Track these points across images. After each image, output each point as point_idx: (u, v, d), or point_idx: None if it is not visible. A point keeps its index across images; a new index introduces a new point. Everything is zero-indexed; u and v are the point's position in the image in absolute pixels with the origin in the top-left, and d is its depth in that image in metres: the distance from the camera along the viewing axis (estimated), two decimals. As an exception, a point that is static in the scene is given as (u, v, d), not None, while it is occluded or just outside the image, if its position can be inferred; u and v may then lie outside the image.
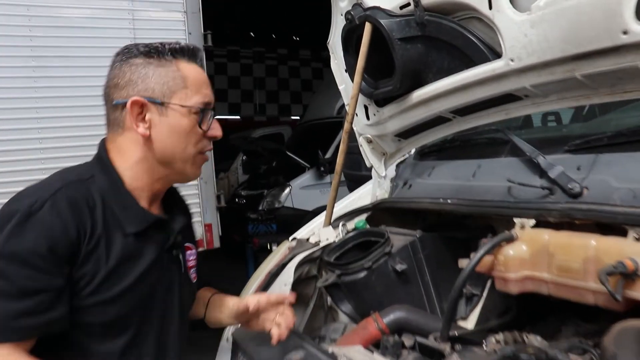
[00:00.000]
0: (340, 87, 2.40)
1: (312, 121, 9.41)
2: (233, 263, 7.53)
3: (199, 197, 4.22)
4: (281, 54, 16.62)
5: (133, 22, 4.02)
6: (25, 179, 3.38)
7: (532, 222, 1.51)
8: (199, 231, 4.24)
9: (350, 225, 2.31)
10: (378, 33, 1.93)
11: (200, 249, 4.28)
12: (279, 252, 2.22)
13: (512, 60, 1.58)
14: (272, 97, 16.67)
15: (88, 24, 3.83)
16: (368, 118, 2.28)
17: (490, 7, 1.60)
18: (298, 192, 7.88)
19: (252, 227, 6.07)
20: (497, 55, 1.67)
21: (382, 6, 1.93)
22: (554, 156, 1.64)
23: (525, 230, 1.52)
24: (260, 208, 7.90)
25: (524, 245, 1.49)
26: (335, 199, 2.23)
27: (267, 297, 1.70)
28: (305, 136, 9.51)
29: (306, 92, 16.50)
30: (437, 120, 2.04)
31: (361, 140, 2.39)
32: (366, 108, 2.26)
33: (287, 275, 2.01)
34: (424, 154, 2.41)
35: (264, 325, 1.70)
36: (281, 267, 2.07)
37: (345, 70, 2.27)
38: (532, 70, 1.55)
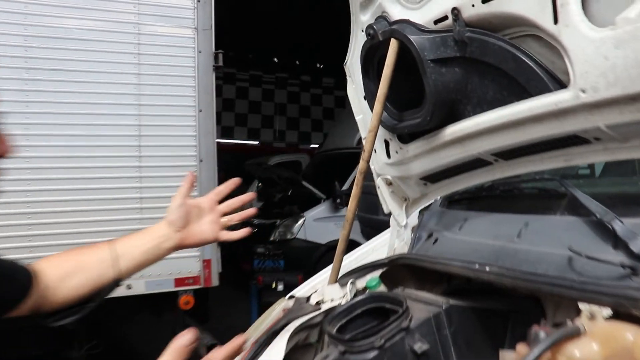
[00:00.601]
0: (357, 118, 2.03)
1: (331, 151, 9.11)
2: (239, 293, 7.13)
3: (198, 230, 3.86)
4: (304, 81, 16.43)
5: (138, 37, 3.72)
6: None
7: (607, 312, 1.10)
8: (195, 267, 3.86)
9: (361, 283, 1.92)
10: (406, 52, 1.56)
11: (197, 287, 3.90)
12: (271, 314, 1.82)
13: (583, 91, 1.18)
14: (293, 124, 16.46)
15: (89, 36, 3.54)
16: (389, 156, 1.89)
17: (556, 22, 1.21)
18: (312, 223, 7.61)
19: (258, 263, 5.65)
20: (560, 84, 1.28)
21: (412, 19, 1.56)
22: (634, 220, 1.23)
23: (596, 323, 1.11)
24: (271, 238, 7.62)
25: (595, 344, 1.07)
26: (344, 252, 1.84)
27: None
28: (323, 166, 9.26)
29: (327, 121, 16.27)
30: (474, 164, 1.65)
31: (379, 182, 2.00)
32: (387, 144, 1.88)
33: (278, 349, 1.60)
34: (453, 201, 2.01)
35: (208, 227, 1.41)
36: (272, 334, 1.67)
37: (364, 98, 1.90)
38: (611, 105, 1.16)
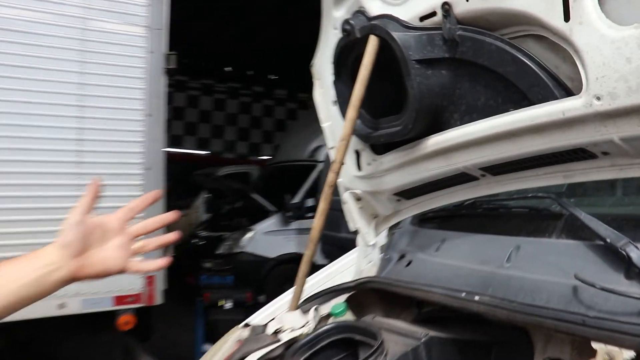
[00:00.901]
0: (324, 125, 1.83)
1: (282, 163, 8.90)
2: (183, 308, 6.76)
3: (142, 244, 3.54)
4: (256, 92, 16.18)
5: (83, 33, 3.40)
6: None
7: (629, 354, 0.95)
8: (137, 284, 3.56)
9: (325, 309, 1.72)
10: (386, 52, 1.38)
11: (139, 305, 3.59)
12: (223, 346, 1.59)
13: (598, 98, 1.03)
14: (244, 135, 16.16)
15: (28, 28, 3.20)
16: (359, 168, 1.71)
17: (567, 19, 1.06)
18: (261, 237, 7.40)
19: (205, 278, 5.30)
20: (567, 91, 1.13)
21: (395, 15, 1.39)
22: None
23: (615, 368, 0.95)
24: (219, 252, 7.35)
25: (614, 393, 0.92)
26: (306, 274, 1.63)
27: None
28: (274, 178, 9.04)
29: (279, 132, 16.07)
30: (458, 179, 1.48)
31: (347, 197, 1.81)
32: (357, 154, 1.70)
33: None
34: (426, 219, 1.85)
35: (114, 253, 1.04)
36: (225, 370, 1.45)
37: (334, 102, 1.71)
38: (630, 114, 1.01)
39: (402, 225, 1.89)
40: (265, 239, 7.41)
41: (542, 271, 1.23)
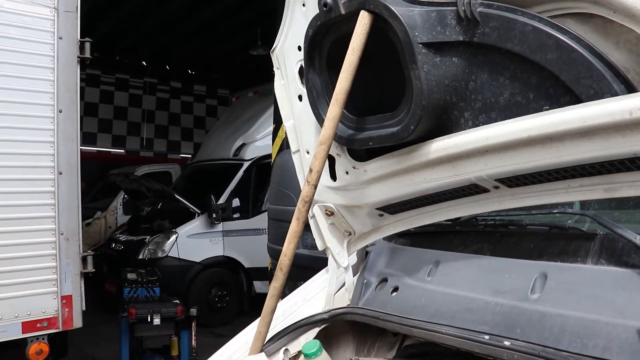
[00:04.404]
0: (287, 124, 1.52)
1: (205, 162, 8.51)
2: (103, 317, 6.21)
3: (55, 259, 3.06)
4: (174, 87, 15.51)
5: (-28, 11, 2.89)
6: None
7: None
8: (51, 305, 3.08)
9: (295, 347, 1.42)
10: (381, 32, 1.10)
11: (52, 331, 3.11)
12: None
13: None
14: (162, 132, 15.47)
15: None
16: (333, 177, 1.41)
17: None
18: (185, 240, 7.09)
19: (129, 292, 4.82)
20: (628, 85, 0.89)
21: (392, -13, 1.10)
22: None
23: None
24: (140, 257, 6.93)
25: None
26: (274, 310, 1.31)
27: None
28: (197, 178, 8.64)
29: (198, 130, 15.57)
30: (462, 191, 1.21)
31: (316, 211, 1.50)
32: (331, 161, 1.40)
33: None
34: (407, 234, 1.58)
35: None
36: None
37: (300, 97, 1.40)
38: None
39: (377, 241, 1.62)
40: (189, 242, 7.08)
41: (586, 308, 0.99)
